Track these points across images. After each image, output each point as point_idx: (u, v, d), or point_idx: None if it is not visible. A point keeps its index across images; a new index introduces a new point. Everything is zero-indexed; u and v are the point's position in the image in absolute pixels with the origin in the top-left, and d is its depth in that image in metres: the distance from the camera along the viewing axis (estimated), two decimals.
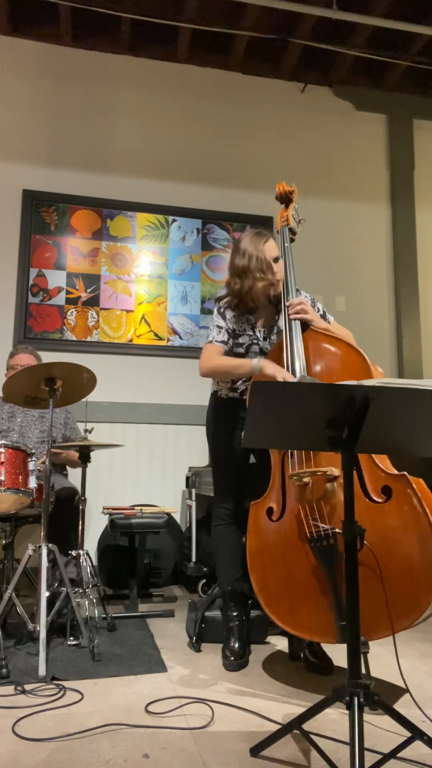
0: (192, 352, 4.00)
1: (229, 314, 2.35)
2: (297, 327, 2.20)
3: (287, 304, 2.25)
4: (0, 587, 2.60)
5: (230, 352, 2.35)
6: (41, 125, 4.03)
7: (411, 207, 4.61)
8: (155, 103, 4.24)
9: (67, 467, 3.29)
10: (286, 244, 2.40)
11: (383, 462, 1.93)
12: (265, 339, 2.38)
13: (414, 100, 4.73)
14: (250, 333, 2.37)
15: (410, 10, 3.97)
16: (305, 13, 3.82)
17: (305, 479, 1.97)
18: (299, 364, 2.13)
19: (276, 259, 2.28)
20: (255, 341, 2.37)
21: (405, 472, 1.86)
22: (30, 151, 3.99)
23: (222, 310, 2.37)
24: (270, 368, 2.12)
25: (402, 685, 2.00)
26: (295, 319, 2.21)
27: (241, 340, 2.36)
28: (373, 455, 1.91)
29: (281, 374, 2.09)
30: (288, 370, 2.13)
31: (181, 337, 4.06)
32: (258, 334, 2.38)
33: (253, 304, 2.32)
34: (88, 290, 3.95)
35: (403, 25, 3.95)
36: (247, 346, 2.37)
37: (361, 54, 4.24)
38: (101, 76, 4.17)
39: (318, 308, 2.39)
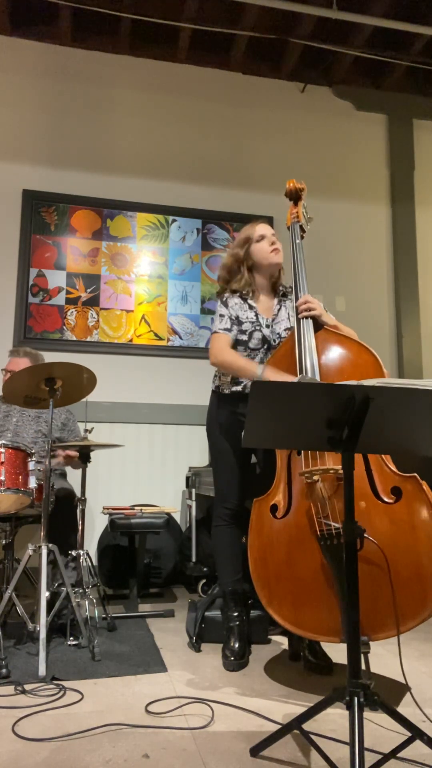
0: (192, 352, 4.00)
1: (231, 302, 2.42)
2: (309, 325, 2.18)
3: (296, 304, 2.25)
4: (0, 587, 2.61)
5: (234, 338, 2.39)
6: (41, 125, 4.03)
7: (411, 207, 4.60)
8: (155, 103, 4.24)
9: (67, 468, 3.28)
10: (297, 241, 2.39)
11: (392, 463, 1.92)
12: (267, 326, 2.40)
13: (414, 100, 4.73)
14: (253, 319, 2.40)
15: (410, 10, 3.97)
16: (305, 13, 3.82)
17: (315, 477, 1.95)
18: (311, 362, 2.11)
19: (261, 237, 2.41)
20: (257, 327, 2.39)
21: (416, 474, 1.86)
22: (30, 151, 3.99)
23: (225, 299, 2.44)
24: (272, 378, 2.12)
25: (402, 685, 2.00)
26: (304, 317, 2.20)
27: (244, 327, 2.39)
28: (382, 456, 1.90)
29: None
30: (301, 368, 2.11)
31: (181, 337, 4.06)
32: (261, 321, 2.40)
33: (237, 284, 2.43)
34: (88, 290, 3.95)
35: (403, 25, 3.95)
36: (250, 333, 2.38)
37: (361, 54, 4.24)
38: (101, 76, 4.17)
39: None
